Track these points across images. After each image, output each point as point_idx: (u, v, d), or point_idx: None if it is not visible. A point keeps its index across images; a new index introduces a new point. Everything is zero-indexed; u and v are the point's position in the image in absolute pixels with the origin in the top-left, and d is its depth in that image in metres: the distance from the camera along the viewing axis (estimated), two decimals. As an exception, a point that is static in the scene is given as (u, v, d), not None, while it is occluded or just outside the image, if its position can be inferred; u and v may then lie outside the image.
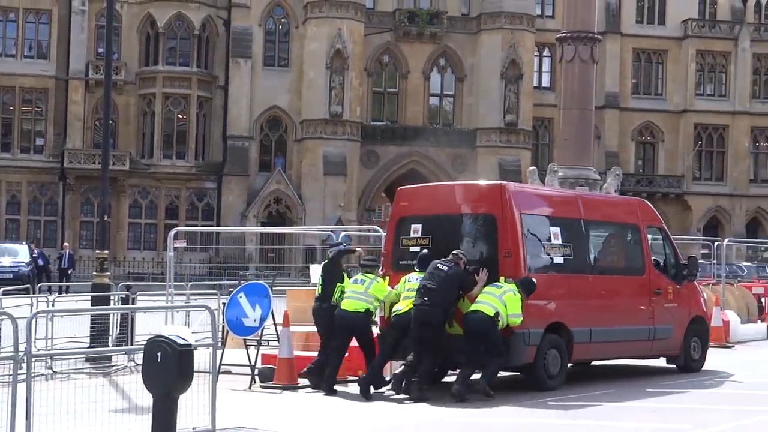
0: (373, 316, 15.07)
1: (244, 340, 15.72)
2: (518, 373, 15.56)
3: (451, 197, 15.91)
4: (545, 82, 62.86)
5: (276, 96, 58.12)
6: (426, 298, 14.16)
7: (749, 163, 64.86)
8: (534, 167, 37.64)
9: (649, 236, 17.51)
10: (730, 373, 17.79)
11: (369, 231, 32.36)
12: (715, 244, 30.72)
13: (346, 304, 14.87)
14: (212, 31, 58.63)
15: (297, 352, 15.91)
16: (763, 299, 28.62)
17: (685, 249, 37.56)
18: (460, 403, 13.77)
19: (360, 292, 14.90)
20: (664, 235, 18.04)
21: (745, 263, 48.76)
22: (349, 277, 15.28)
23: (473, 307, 14.27)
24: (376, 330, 15.40)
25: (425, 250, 15.10)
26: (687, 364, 17.69)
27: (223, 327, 16.00)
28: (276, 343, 16.68)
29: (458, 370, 14.68)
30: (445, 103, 61.38)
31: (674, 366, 17.78)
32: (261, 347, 16.13)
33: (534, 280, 14.52)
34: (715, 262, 30.54)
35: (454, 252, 14.53)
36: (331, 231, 32.75)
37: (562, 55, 32.46)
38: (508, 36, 58.61)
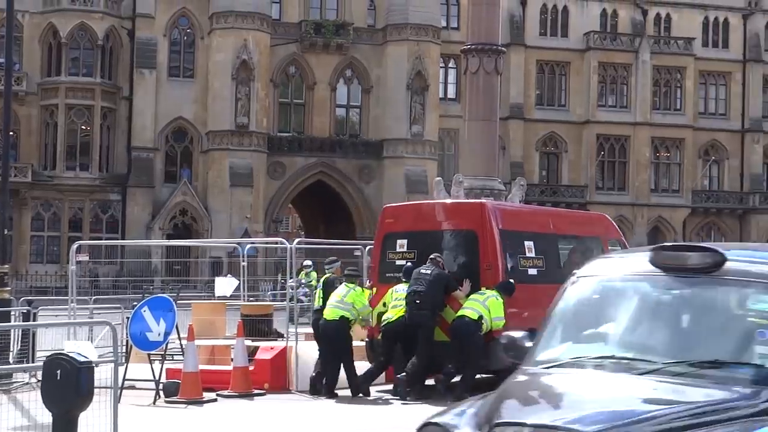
0: (351, 323, 15.77)
1: (149, 354, 15.50)
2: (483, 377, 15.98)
3: (434, 214, 17.07)
4: (451, 94, 63.28)
5: (181, 107, 57.64)
6: (417, 301, 15.19)
7: (650, 173, 66.01)
8: (440, 178, 37.78)
9: (610, 247, 18.56)
10: None
11: (276, 243, 32.23)
12: None
13: (326, 313, 15.62)
14: (116, 42, 57.91)
15: (202, 366, 15.75)
16: None
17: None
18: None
19: (338, 301, 15.59)
20: (622, 247, 19.14)
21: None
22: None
23: (459, 313, 15.21)
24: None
25: (410, 263, 16.02)
26: None
27: (127, 341, 15.76)
28: (181, 357, 16.48)
29: (441, 375, 15.37)
30: (352, 114, 61.46)
31: None
32: (166, 362, 15.92)
33: (512, 281, 15.57)
34: None
35: (431, 256, 15.55)
36: (238, 243, 32.54)
37: (467, 67, 32.66)
38: (413, 47, 58.92)
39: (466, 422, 5.55)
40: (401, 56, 58.93)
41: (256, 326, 18.54)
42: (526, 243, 16.74)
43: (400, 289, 15.68)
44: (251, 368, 15.91)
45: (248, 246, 28.54)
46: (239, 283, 22.34)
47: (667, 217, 65.61)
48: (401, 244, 16.60)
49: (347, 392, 15.70)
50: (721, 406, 5.19)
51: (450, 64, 62.87)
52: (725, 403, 5.20)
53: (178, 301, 16.32)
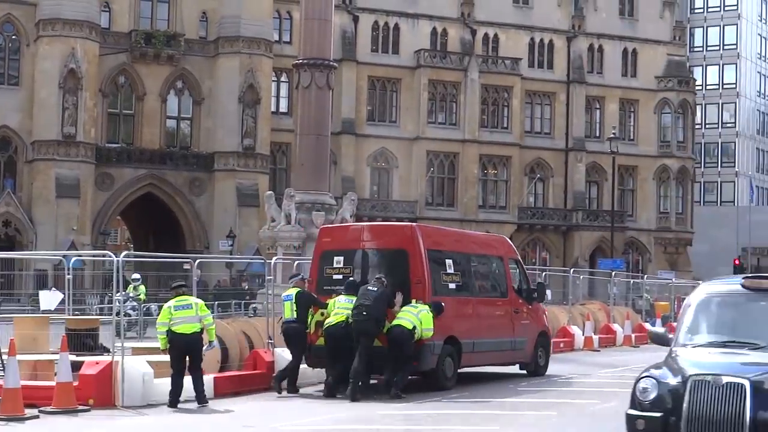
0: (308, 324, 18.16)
1: (-33, 370, 14.96)
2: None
3: (368, 234, 19.02)
4: (283, 107, 63.28)
5: (5, 115, 56.01)
6: (364, 313, 17.26)
7: (478, 190, 67.26)
8: (271, 192, 37.77)
9: (510, 266, 21.43)
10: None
11: (103, 256, 31.58)
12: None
13: (336, 318, 17.74)
14: (-63, 47, 55.89)
15: (24, 382, 15.29)
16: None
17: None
18: (396, 400, 16.75)
19: (344, 307, 17.77)
20: (520, 265, 22.13)
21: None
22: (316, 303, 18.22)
23: (395, 322, 17.48)
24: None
25: (351, 278, 18.24)
26: (536, 370, 21.61)
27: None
28: (1, 372, 15.96)
29: (382, 376, 17.84)
30: (183, 126, 60.79)
31: (525, 371, 21.59)
32: (-15, 377, 15.39)
33: (443, 303, 18.09)
34: None
35: (378, 276, 17.84)
36: (63, 255, 31.75)
37: (299, 81, 32.78)
38: (245, 60, 58.71)
39: (667, 374, 9.55)
40: (233, 69, 58.64)
41: (82, 340, 18.13)
42: (447, 261, 19.16)
43: (342, 300, 17.73)
44: (75, 384, 15.51)
45: (74, 258, 27.85)
46: (64, 297, 21.80)
47: (492, 232, 66.93)
48: (338, 261, 18.76)
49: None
50: None
51: (282, 78, 62.86)
52: None
53: (0, 315, 15.83)
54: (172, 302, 16.20)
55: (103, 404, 15.72)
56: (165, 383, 16.24)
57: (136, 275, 32.59)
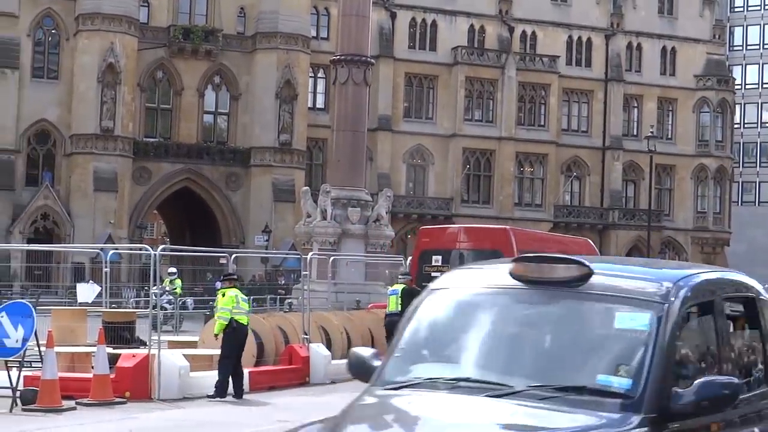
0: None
1: (6, 361, 15.13)
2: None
3: (464, 236, 20.92)
4: (320, 103, 63.35)
5: (45, 109, 56.42)
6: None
7: (514, 187, 67.13)
8: (307, 187, 37.90)
9: None
10: None
11: (140, 250, 31.78)
12: None
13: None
14: (-23, 40, 56.39)
15: (61, 374, 15.44)
16: None
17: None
18: None
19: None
20: None
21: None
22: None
23: None
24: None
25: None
26: None
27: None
28: (39, 364, 16.12)
29: None
30: (220, 121, 61.03)
31: None
32: (24, 369, 15.55)
33: None
34: None
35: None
36: (101, 249, 31.99)
37: (336, 77, 32.87)
38: (283, 56, 58.82)
39: None
40: (270, 64, 58.77)
41: (119, 333, 18.28)
42: None
43: None
44: (112, 376, 15.65)
45: (111, 252, 28.06)
46: (101, 290, 21.97)
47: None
48: (436, 259, 20.74)
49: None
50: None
51: (319, 74, 62.95)
52: (590, 430, 4.77)
53: (38, 307, 15.99)
54: (235, 291, 16.48)
55: (140, 397, 15.86)
56: (201, 377, 16.36)
57: (173, 269, 32.77)
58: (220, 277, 17.70)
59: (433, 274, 20.04)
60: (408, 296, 19.21)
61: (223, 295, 16.51)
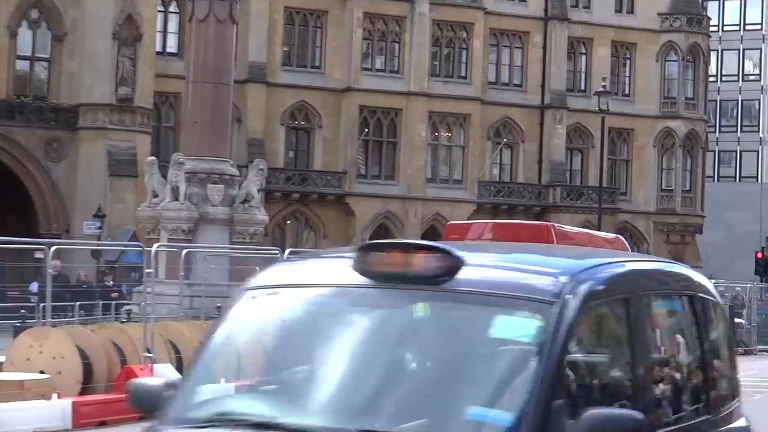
0: None
1: None
2: None
3: (495, 233, 22.88)
4: (171, 47, 62.91)
5: None
6: None
7: (426, 158, 67.29)
8: (154, 158, 37.54)
9: None
10: None
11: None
12: None
13: None
14: None
15: None
16: None
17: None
18: None
19: None
20: None
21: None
22: None
23: None
24: None
25: None
26: None
27: None
28: None
29: None
30: (38, 69, 60.25)
31: None
32: None
33: None
34: None
35: None
36: None
37: (193, 12, 32.59)
38: (122, -17, 58.25)
39: None
40: (106, -5, 58.15)
41: None
42: None
43: None
44: None
45: None
46: None
47: (446, 215, 66.95)
48: None
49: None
50: None
51: (171, 8, 62.53)
52: None
53: None
54: None
55: None
56: (8, 410, 16.08)
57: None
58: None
59: None
60: None
61: None
